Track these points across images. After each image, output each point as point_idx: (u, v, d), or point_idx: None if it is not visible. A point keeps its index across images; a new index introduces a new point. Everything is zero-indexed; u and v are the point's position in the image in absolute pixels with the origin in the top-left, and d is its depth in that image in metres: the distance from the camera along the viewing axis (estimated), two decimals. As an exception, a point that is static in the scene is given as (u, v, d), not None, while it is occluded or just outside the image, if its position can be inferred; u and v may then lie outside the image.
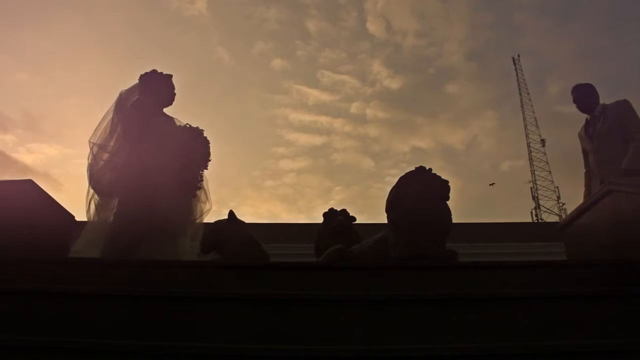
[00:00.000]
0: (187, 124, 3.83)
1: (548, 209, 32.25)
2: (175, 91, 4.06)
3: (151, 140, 3.61)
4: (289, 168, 55.35)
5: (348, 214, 4.50)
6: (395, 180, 4.00)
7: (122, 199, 3.58)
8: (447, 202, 4.02)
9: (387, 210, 4.12)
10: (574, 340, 1.85)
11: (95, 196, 3.67)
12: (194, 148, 3.72)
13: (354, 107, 57.75)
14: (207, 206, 3.91)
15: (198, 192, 3.80)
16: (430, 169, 3.86)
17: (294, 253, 6.00)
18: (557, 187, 33.13)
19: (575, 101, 4.49)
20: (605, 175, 4.08)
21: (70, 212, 3.73)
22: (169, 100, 4.03)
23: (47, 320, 2.05)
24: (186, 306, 2.14)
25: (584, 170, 4.60)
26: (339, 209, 4.52)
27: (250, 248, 3.76)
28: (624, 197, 2.90)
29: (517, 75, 37.66)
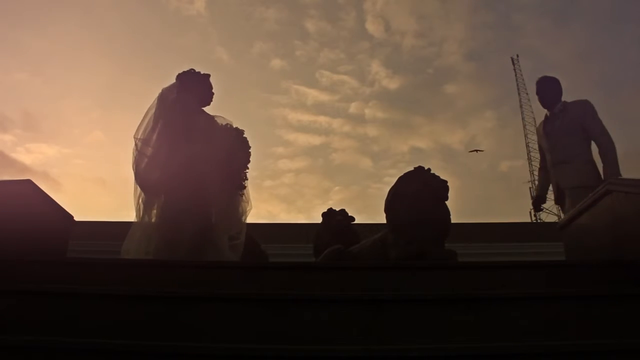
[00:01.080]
0: (228, 123, 3.86)
1: (547, 209, 32.30)
2: (214, 91, 4.06)
3: (196, 137, 3.62)
4: (288, 168, 55.41)
5: (347, 214, 4.50)
6: (394, 180, 4.01)
7: (170, 196, 3.57)
8: (446, 202, 4.03)
9: (386, 210, 4.12)
10: (574, 340, 1.85)
11: (143, 194, 3.67)
12: (239, 147, 3.76)
13: (353, 107, 57.80)
14: (249, 206, 3.90)
15: (242, 191, 3.81)
16: (429, 169, 3.86)
17: (293, 253, 6.00)
18: (556, 187, 33.17)
19: (537, 93, 4.37)
20: (559, 176, 4.10)
21: (69, 212, 3.73)
22: (208, 100, 4.02)
23: (47, 320, 2.04)
24: (186, 306, 2.14)
25: (538, 166, 4.56)
26: (337, 209, 4.53)
27: (249, 248, 3.77)
28: (623, 197, 2.90)
29: (515, 75, 37.76)
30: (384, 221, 4.15)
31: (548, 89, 4.32)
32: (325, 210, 4.53)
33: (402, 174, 4.17)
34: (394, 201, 3.97)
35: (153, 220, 3.62)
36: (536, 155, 35.08)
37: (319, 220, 4.53)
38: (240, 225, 3.78)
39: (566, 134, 4.07)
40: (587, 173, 3.88)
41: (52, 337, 1.81)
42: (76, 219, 3.84)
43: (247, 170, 3.84)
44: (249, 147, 3.84)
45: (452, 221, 4.15)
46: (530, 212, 31.92)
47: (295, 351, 1.78)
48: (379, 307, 2.11)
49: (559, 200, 4.22)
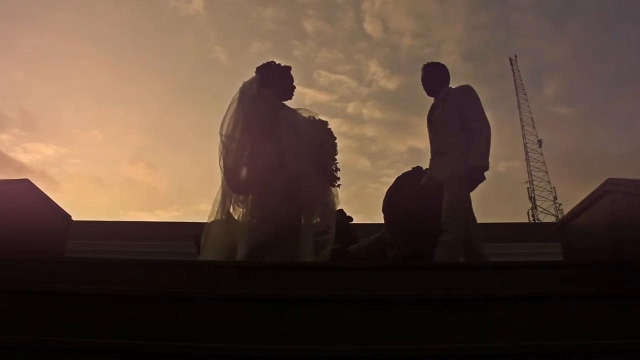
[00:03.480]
0: (312, 115, 3.74)
1: (545, 210, 32.43)
2: (295, 84, 3.90)
3: (282, 132, 3.51)
4: (286, 168, 55.23)
5: (345, 214, 4.50)
6: (392, 180, 4.02)
7: (259, 195, 3.47)
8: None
9: (383, 211, 4.13)
10: (572, 340, 1.85)
11: (230, 193, 3.56)
12: (326, 139, 3.64)
13: (351, 107, 57.88)
14: (338, 200, 3.77)
15: (335, 182, 3.70)
16: (427, 169, 3.85)
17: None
18: (554, 187, 33.34)
19: (421, 81, 4.00)
20: (436, 167, 3.74)
21: (67, 211, 3.72)
22: (289, 94, 3.86)
23: (46, 320, 2.04)
24: (185, 306, 2.14)
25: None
26: (336, 209, 4.52)
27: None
28: (621, 198, 2.91)
29: (514, 75, 37.83)
30: (382, 221, 4.16)
31: (430, 75, 3.96)
32: (324, 210, 4.53)
33: (400, 175, 4.19)
34: (391, 201, 3.98)
35: (238, 218, 3.53)
36: (534, 155, 35.24)
37: (318, 220, 4.53)
38: (330, 219, 3.66)
39: (445, 123, 3.72)
40: (461, 163, 3.51)
41: (50, 337, 1.81)
42: (74, 218, 3.84)
43: (336, 162, 3.69)
44: (335, 138, 3.69)
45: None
46: (528, 213, 32.06)
47: (293, 351, 1.78)
48: (377, 307, 2.11)
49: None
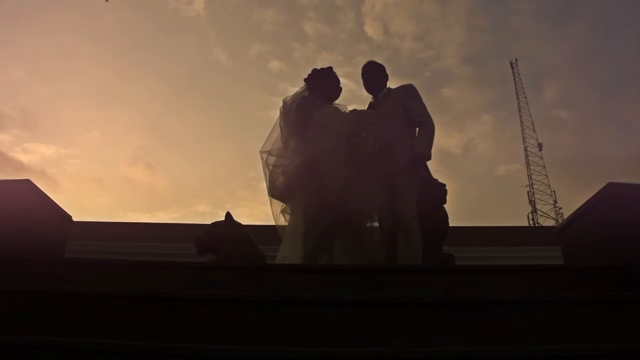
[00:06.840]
0: (355, 109, 3.81)
1: (545, 213, 32.37)
2: (341, 84, 4.01)
3: (310, 131, 3.59)
4: (286, 170, 55.20)
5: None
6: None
7: (300, 196, 3.60)
8: (444, 205, 4.03)
9: (384, 213, 4.12)
10: (571, 344, 1.85)
11: (279, 203, 3.72)
12: (363, 127, 3.59)
13: (351, 110, 57.77)
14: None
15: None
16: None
17: (291, 255, 5.97)
18: (554, 191, 33.29)
19: (362, 78, 4.09)
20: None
21: (67, 211, 3.72)
22: (336, 93, 3.97)
23: (47, 320, 2.04)
24: (184, 307, 2.14)
25: None
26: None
27: (247, 249, 3.76)
28: (621, 201, 2.92)
29: (514, 78, 37.80)
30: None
31: (373, 73, 4.07)
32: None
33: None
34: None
35: (288, 223, 3.69)
36: (534, 159, 35.17)
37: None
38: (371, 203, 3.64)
39: (389, 117, 3.80)
40: (406, 159, 3.62)
41: (50, 337, 1.81)
42: (74, 218, 3.84)
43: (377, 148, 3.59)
44: (373, 124, 3.62)
45: (450, 225, 4.16)
46: (528, 216, 32.04)
47: (293, 353, 1.78)
48: (376, 310, 2.11)
49: None
